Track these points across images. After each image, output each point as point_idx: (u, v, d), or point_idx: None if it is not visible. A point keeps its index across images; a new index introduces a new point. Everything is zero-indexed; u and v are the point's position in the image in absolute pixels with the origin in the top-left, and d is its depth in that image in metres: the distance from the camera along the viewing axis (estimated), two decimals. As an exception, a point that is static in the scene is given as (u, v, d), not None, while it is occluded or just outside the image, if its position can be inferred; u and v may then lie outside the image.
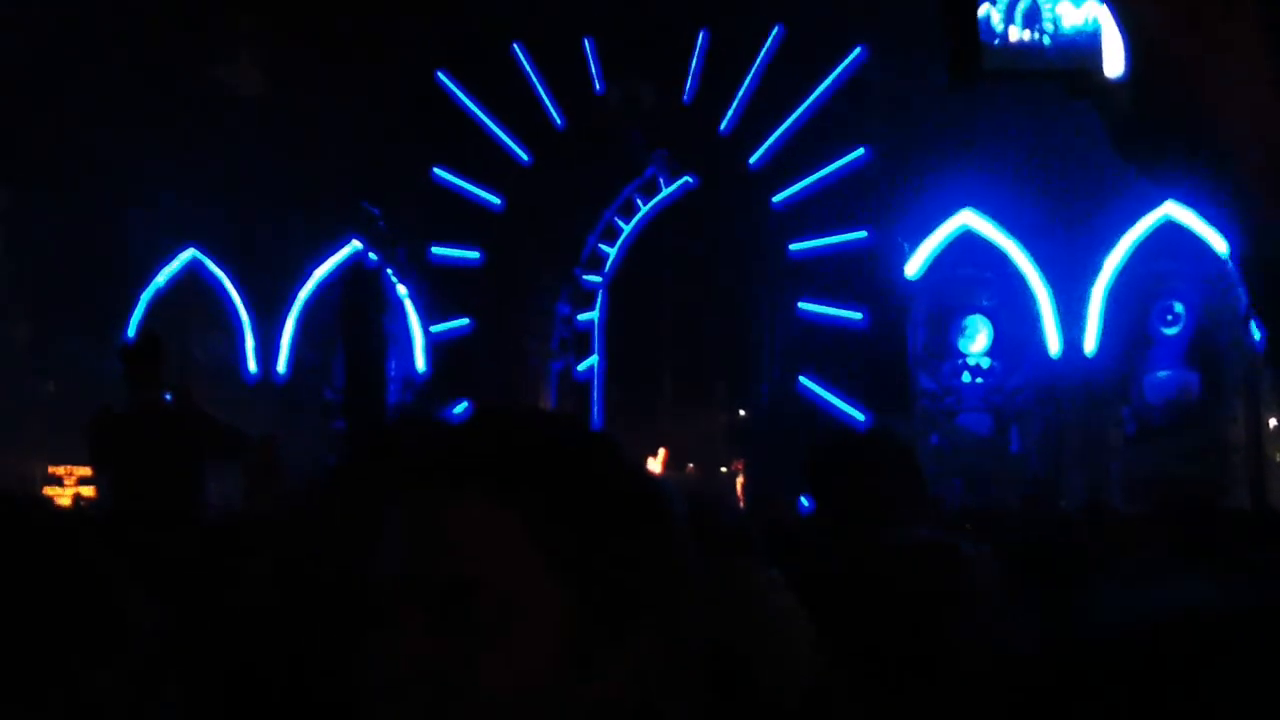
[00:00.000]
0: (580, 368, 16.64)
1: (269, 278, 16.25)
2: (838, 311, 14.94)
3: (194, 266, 16.56)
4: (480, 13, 15.20)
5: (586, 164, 15.70)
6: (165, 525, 4.68)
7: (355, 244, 16.04)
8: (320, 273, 16.28)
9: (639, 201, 16.57)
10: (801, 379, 14.94)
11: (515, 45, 15.74)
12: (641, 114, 15.50)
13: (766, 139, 15.28)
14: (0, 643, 1.12)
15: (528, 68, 15.79)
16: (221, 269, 16.51)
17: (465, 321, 15.86)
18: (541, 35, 15.59)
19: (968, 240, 15.99)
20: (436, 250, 16.03)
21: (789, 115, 15.16)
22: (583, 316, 16.55)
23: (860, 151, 14.96)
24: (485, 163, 15.94)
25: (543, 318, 16.34)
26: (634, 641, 1.01)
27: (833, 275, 14.92)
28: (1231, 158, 0.93)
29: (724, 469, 16.67)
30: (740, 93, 15.35)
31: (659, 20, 15.12)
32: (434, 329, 15.89)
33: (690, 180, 16.12)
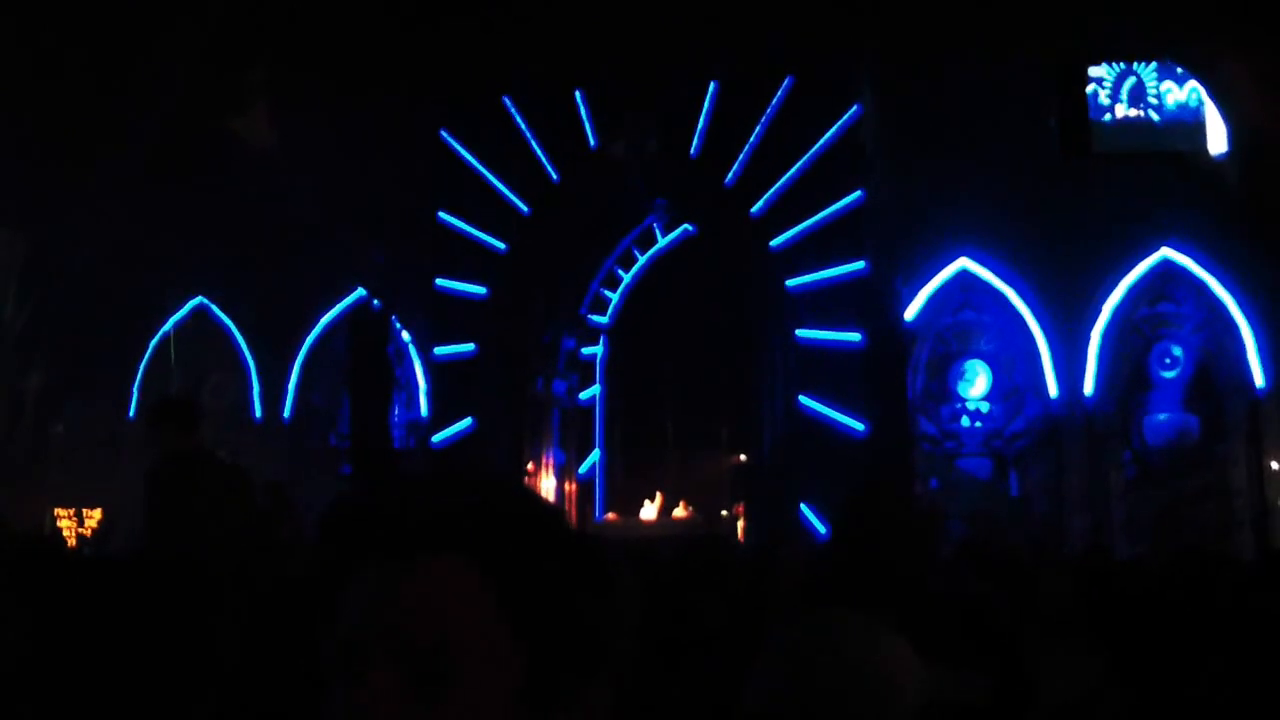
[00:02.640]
0: (583, 395, 16.62)
1: (275, 323, 16.44)
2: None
3: (201, 311, 16.82)
4: (480, 67, 15.38)
5: (580, 219, 15.82)
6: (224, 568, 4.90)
7: (360, 290, 16.28)
8: (326, 318, 16.50)
9: (637, 252, 16.69)
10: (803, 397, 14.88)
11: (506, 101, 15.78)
12: (644, 165, 15.57)
13: (767, 189, 15.27)
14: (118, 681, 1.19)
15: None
16: (228, 315, 16.73)
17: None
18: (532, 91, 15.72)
19: (967, 285, 16.06)
20: (441, 282, 16.04)
21: (789, 167, 15.13)
22: (586, 349, 16.69)
23: (858, 194, 14.97)
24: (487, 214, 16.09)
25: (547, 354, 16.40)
26: (587, 695, 1.06)
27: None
28: None
29: (725, 513, 16.68)
30: (746, 146, 15.41)
31: (663, 74, 15.29)
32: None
33: (690, 228, 16.26)
